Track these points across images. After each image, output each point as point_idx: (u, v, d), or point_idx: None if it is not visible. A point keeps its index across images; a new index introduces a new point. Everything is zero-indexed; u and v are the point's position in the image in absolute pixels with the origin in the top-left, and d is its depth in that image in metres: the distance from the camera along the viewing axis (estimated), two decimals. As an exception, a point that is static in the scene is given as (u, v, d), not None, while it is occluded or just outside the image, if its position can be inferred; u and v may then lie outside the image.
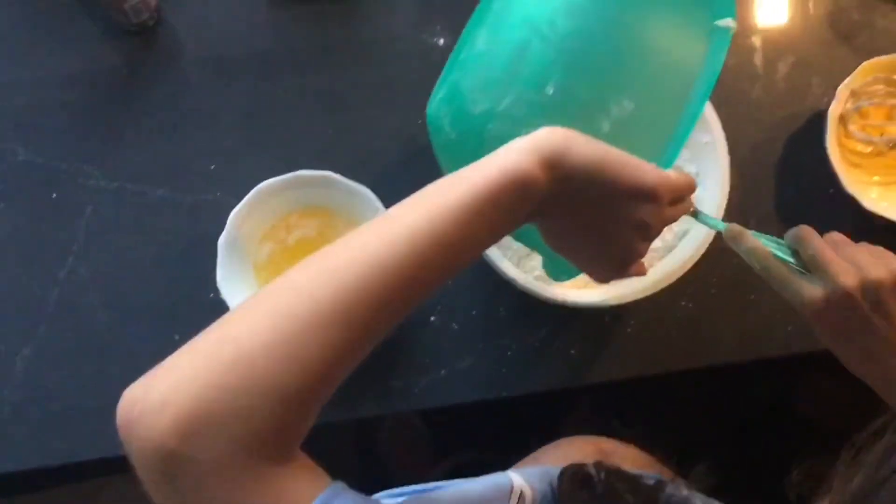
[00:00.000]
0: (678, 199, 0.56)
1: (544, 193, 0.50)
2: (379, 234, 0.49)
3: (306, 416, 0.48)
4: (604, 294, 0.82)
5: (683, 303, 0.93)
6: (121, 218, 0.92)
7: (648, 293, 0.81)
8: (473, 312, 0.92)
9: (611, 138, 0.52)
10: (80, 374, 0.89)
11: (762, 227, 0.92)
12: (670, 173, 0.54)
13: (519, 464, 0.90)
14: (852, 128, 0.93)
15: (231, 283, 0.84)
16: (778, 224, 0.96)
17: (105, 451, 0.87)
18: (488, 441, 1.23)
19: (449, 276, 0.51)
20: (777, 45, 1.01)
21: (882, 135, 0.94)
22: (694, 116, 0.54)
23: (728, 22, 0.54)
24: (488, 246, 0.53)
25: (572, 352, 0.92)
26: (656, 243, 0.86)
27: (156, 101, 0.95)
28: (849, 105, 0.93)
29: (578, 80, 0.55)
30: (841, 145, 0.94)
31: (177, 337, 0.89)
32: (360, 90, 0.96)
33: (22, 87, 0.95)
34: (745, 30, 1.00)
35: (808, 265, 0.63)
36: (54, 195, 0.92)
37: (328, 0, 0.97)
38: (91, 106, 0.95)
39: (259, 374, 0.44)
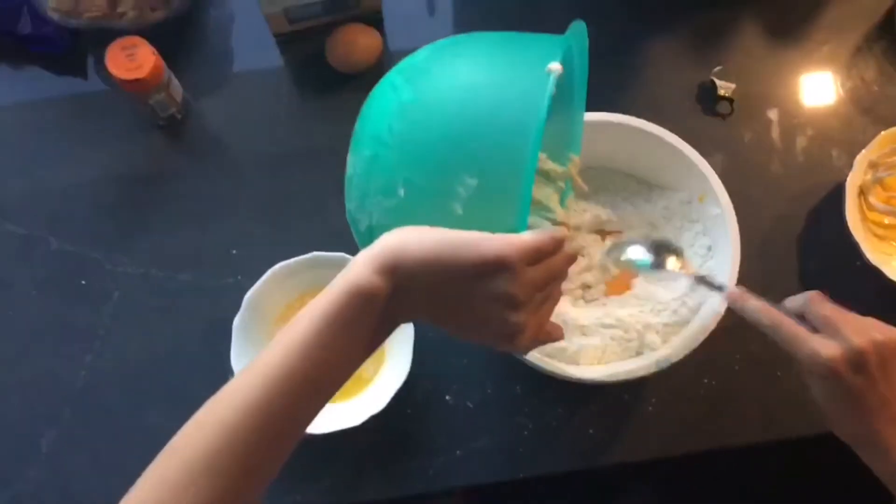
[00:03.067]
0: (539, 257, 0.53)
1: (389, 299, 0.52)
2: (242, 379, 0.52)
3: None
4: (614, 370, 0.80)
5: (706, 380, 0.91)
6: (146, 302, 0.95)
7: (663, 367, 0.79)
8: (489, 391, 0.91)
9: (466, 219, 0.53)
10: (100, 457, 0.90)
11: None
12: (519, 237, 0.52)
13: None
14: (873, 199, 0.92)
15: (244, 363, 0.85)
16: (804, 298, 0.94)
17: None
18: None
19: (320, 402, 0.53)
20: (795, 118, 1.00)
21: (905, 205, 0.92)
22: (530, 170, 0.52)
23: (554, 66, 0.52)
24: (357, 361, 0.54)
25: (591, 431, 0.90)
26: (670, 318, 0.85)
27: (180, 190, 1.00)
28: (868, 176, 0.92)
29: (420, 175, 0.56)
30: (864, 217, 0.92)
31: (194, 419, 0.90)
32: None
33: (57, 182, 1.00)
34: (761, 104, 1.01)
35: (819, 327, 0.63)
36: (83, 282, 0.96)
37: (343, 82, 1.02)
38: (119, 196, 0.99)
39: None
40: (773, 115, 1.00)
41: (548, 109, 0.52)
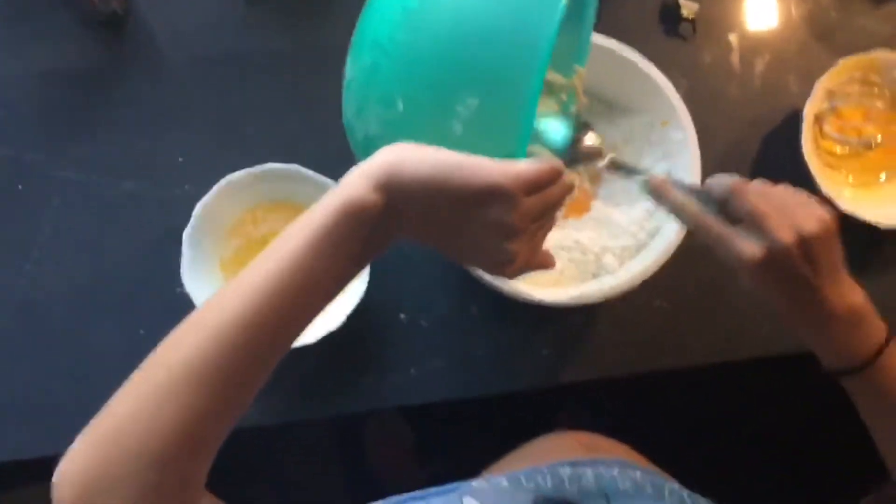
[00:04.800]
0: (537, 188, 0.52)
1: (383, 215, 0.51)
2: (228, 294, 0.51)
3: (182, 476, 0.50)
4: (575, 292, 0.80)
5: (657, 303, 0.92)
6: (88, 210, 0.91)
7: (620, 292, 0.79)
8: (444, 311, 0.91)
9: (465, 140, 0.52)
10: (42, 369, 0.87)
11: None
12: (516, 164, 0.51)
13: (501, 462, 0.88)
14: (828, 128, 0.93)
15: (196, 277, 0.83)
16: (754, 224, 0.95)
17: (65, 446, 0.85)
18: (472, 441, 1.22)
19: (308, 317, 0.53)
20: (754, 43, 1.00)
21: (859, 135, 0.94)
22: (534, 95, 0.51)
23: None
24: (349, 276, 0.54)
25: (545, 352, 0.91)
26: (627, 241, 0.85)
27: (126, 95, 0.94)
28: (825, 104, 0.93)
29: (421, 89, 0.54)
30: (817, 145, 0.93)
31: (142, 332, 0.88)
32: (331, 89, 0.95)
33: (-10, 77, 0.94)
34: (722, 27, 1.00)
35: (743, 220, 0.59)
36: (20, 186, 0.91)
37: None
38: (61, 98, 0.94)
39: (128, 442, 0.48)
40: (733, 38, 1.00)
41: (557, 29, 0.50)
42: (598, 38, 0.84)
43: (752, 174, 0.95)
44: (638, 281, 0.80)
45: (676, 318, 0.92)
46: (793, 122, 0.94)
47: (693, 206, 0.61)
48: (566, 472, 0.71)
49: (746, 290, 0.62)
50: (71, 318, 0.89)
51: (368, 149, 0.57)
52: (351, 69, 0.59)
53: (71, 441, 0.85)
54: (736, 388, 1.39)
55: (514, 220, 0.51)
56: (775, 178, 0.94)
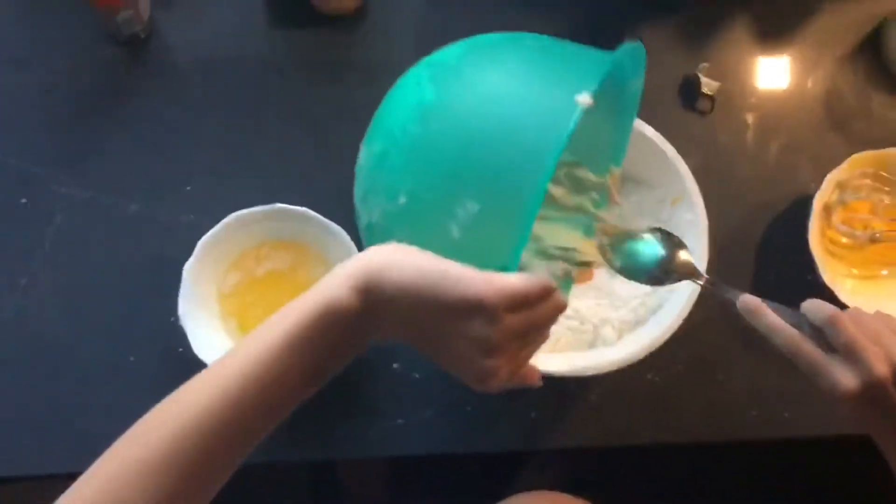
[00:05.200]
0: (521, 305, 0.50)
1: (361, 318, 0.50)
2: (198, 386, 0.50)
3: None
4: (570, 364, 0.80)
5: (649, 376, 0.92)
6: (90, 229, 0.90)
7: (615, 368, 0.79)
8: (438, 365, 0.90)
9: (461, 244, 0.52)
10: (29, 388, 0.86)
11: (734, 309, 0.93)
12: (502, 279, 0.49)
13: None
14: (835, 220, 0.93)
15: (193, 310, 0.82)
16: (753, 305, 0.95)
17: (46, 468, 0.85)
18: (451, 486, 1.22)
19: (279, 416, 0.52)
20: (770, 124, 1.00)
21: (865, 229, 0.94)
22: (533, 208, 0.50)
23: (584, 98, 0.49)
24: (324, 375, 0.53)
25: (533, 415, 0.90)
26: (627, 315, 0.85)
27: (139, 114, 0.94)
28: (834, 196, 0.93)
29: (424, 185, 0.53)
30: (822, 235, 0.94)
31: (132, 359, 0.87)
32: (350, 129, 0.95)
33: (4, 89, 0.94)
34: (741, 107, 1.00)
35: (839, 348, 0.59)
36: (24, 200, 0.90)
37: (324, 24, 0.96)
38: (72, 113, 0.93)
39: None
40: (750, 118, 1.00)
41: (562, 148, 0.49)
42: (618, 112, 0.84)
43: (757, 257, 0.96)
44: (635, 359, 0.80)
45: (666, 394, 0.92)
46: (801, 208, 0.95)
47: (790, 330, 0.61)
48: None
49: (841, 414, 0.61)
50: (61, 337, 0.88)
51: (370, 235, 0.57)
52: (363, 155, 0.59)
53: (53, 462, 0.85)
54: (719, 468, 1.39)
55: (494, 336, 0.49)
56: (779, 262, 0.96)
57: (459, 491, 1.04)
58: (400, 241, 0.53)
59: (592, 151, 0.72)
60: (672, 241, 0.74)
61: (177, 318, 0.81)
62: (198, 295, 0.83)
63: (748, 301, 0.64)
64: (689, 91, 1.00)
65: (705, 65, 0.99)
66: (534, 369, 0.58)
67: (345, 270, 0.51)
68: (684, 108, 1.00)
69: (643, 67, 0.66)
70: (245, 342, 0.51)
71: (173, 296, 0.81)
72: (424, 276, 0.49)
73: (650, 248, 0.74)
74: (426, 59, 0.59)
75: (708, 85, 0.98)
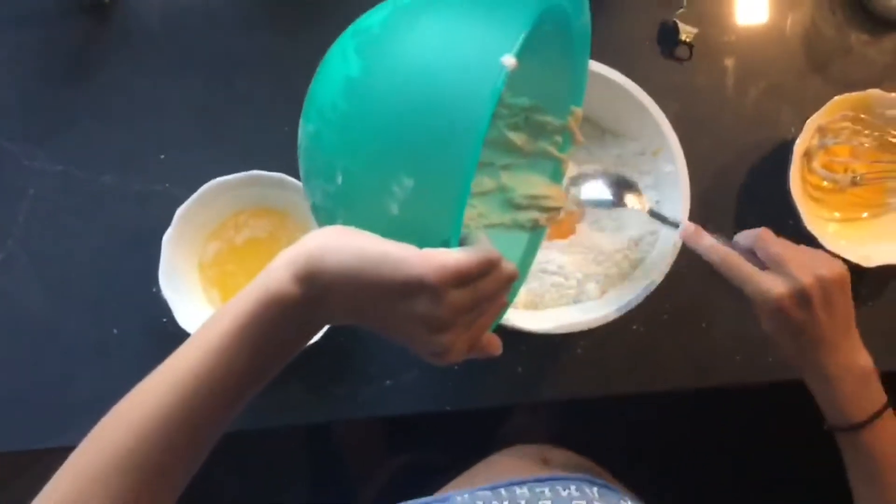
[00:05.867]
0: (465, 280, 0.49)
1: (304, 306, 0.50)
2: (154, 380, 0.51)
3: None
4: (555, 321, 0.81)
5: (634, 327, 0.93)
6: (65, 203, 0.89)
7: (598, 324, 0.80)
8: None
9: (401, 221, 0.51)
10: (12, 363, 0.86)
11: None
12: (441, 256, 0.48)
13: (464, 476, 0.89)
14: (816, 164, 0.93)
15: (174, 281, 0.81)
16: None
17: (32, 443, 0.85)
18: (439, 444, 1.23)
19: (236, 406, 0.52)
20: (750, 69, 0.99)
21: (845, 171, 0.94)
22: (467, 180, 0.49)
23: (509, 60, 0.48)
24: (276, 364, 0.53)
25: (519, 369, 0.91)
26: (610, 269, 0.85)
27: (109, 83, 0.92)
28: (815, 141, 0.93)
29: (358, 166, 0.52)
30: (803, 179, 0.93)
31: (115, 331, 0.87)
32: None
33: (-32, 60, 0.91)
34: (719, 52, 0.99)
35: (768, 263, 0.71)
36: (-6, 175, 0.89)
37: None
38: (40, 84, 0.91)
39: None
40: (729, 63, 0.99)
41: (489, 122, 0.48)
42: (595, 65, 0.83)
43: (738, 203, 0.96)
44: (619, 314, 0.80)
45: (652, 343, 0.93)
46: (781, 153, 0.94)
47: (725, 249, 0.73)
48: (524, 494, 0.71)
49: (764, 334, 0.72)
50: (43, 313, 0.87)
51: (317, 216, 0.57)
52: (300, 134, 0.58)
53: (35, 436, 0.85)
54: (706, 415, 1.41)
55: (441, 314, 0.49)
56: (761, 208, 0.96)
57: (451, 445, 1.05)
58: (342, 221, 0.53)
59: (551, 95, 0.71)
60: (621, 183, 0.83)
61: (158, 290, 0.80)
62: (178, 265, 0.82)
63: (689, 226, 0.76)
64: (667, 38, 0.98)
65: (682, 10, 0.97)
66: (493, 339, 0.57)
67: (285, 258, 0.51)
68: (663, 55, 0.98)
69: (584, 4, 0.65)
70: (195, 336, 0.51)
71: (153, 267, 0.81)
72: (364, 259, 0.49)
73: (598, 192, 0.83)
74: (353, 27, 0.57)
75: (685, 31, 0.96)
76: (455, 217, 0.50)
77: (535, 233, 0.76)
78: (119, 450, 0.49)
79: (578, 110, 0.72)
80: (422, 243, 0.49)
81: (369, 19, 0.56)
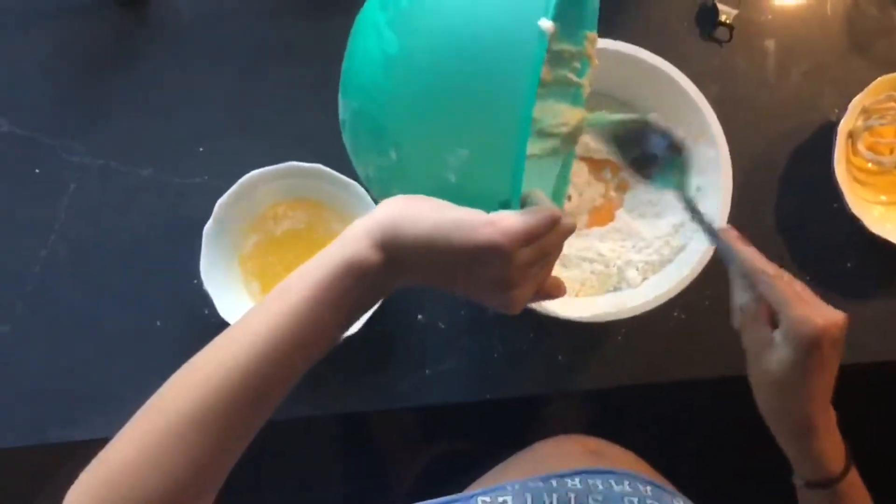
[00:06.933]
0: (532, 240, 0.52)
1: (383, 271, 0.52)
2: (230, 343, 0.52)
3: None
4: (595, 310, 0.80)
5: (676, 313, 0.92)
6: (105, 197, 0.90)
7: (641, 312, 0.79)
8: (462, 313, 0.90)
9: (461, 188, 0.53)
10: (55, 355, 0.87)
11: (762, 239, 0.93)
12: (508, 220, 0.51)
13: (507, 464, 0.89)
14: (861, 146, 0.91)
15: (214, 273, 0.82)
16: (778, 236, 0.94)
17: (74, 433, 0.86)
18: (479, 431, 1.23)
19: (305, 366, 0.54)
20: (791, 50, 0.97)
21: (891, 153, 0.92)
22: (521, 147, 0.50)
23: (546, 23, 0.49)
24: (348, 325, 0.55)
25: (560, 358, 0.90)
26: (651, 256, 0.85)
27: (145, 78, 0.92)
28: (859, 122, 0.91)
29: (410, 141, 0.53)
30: (847, 161, 0.92)
31: (158, 323, 0.88)
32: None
33: (7, 55, 0.92)
34: (760, 34, 0.97)
35: (779, 296, 0.63)
36: (37, 170, 0.89)
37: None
38: (78, 79, 0.92)
39: (129, 483, 0.49)
40: (769, 45, 0.97)
41: (537, 82, 0.49)
42: (633, 48, 0.82)
43: (781, 188, 0.94)
44: (660, 301, 0.79)
45: (693, 331, 0.92)
46: (824, 136, 0.92)
47: (764, 260, 0.65)
48: (575, 485, 0.71)
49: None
50: (85, 305, 0.88)
51: (371, 185, 0.58)
52: (342, 109, 0.58)
53: (80, 429, 0.86)
54: (748, 403, 1.39)
55: (511, 274, 0.52)
56: (804, 192, 0.94)
57: (487, 436, 1.05)
58: (399, 192, 0.54)
59: (567, 24, 0.70)
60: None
61: (199, 281, 0.81)
62: (218, 257, 0.83)
63: (727, 231, 0.67)
64: (706, 20, 0.96)
65: (721, -9, 0.95)
66: (556, 282, 0.59)
67: (363, 226, 0.52)
68: (702, 38, 0.97)
69: None
70: (270, 300, 0.52)
71: (193, 258, 0.81)
72: (438, 227, 0.51)
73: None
74: None
75: (725, 12, 0.95)
76: (515, 180, 0.51)
77: (566, 163, 0.77)
78: (198, 406, 0.49)
79: (593, 34, 0.71)
80: (482, 206, 0.52)
81: None
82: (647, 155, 0.70)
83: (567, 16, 0.70)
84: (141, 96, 0.92)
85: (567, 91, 0.74)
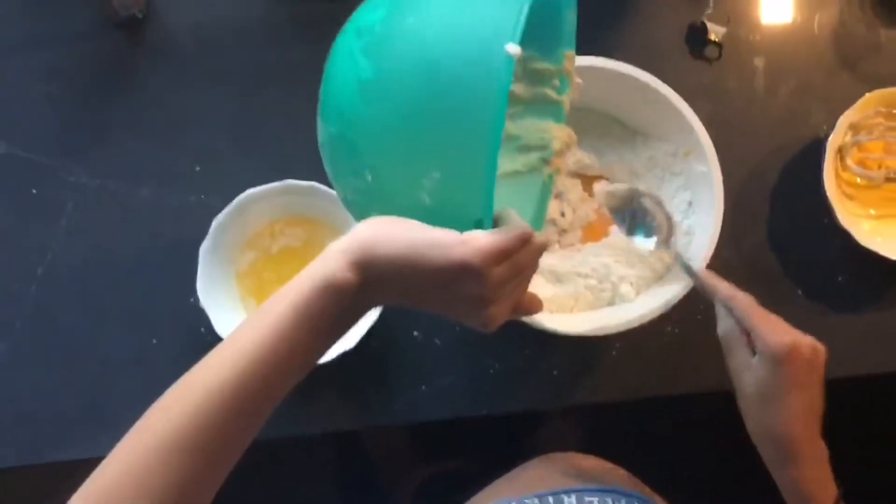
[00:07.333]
0: (505, 258, 0.53)
1: (358, 291, 0.53)
2: (214, 362, 0.52)
3: None
4: (590, 324, 0.81)
5: (670, 328, 0.92)
6: (102, 216, 0.90)
7: (635, 326, 0.80)
8: (457, 329, 0.90)
9: (435, 209, 0.54)
10: (52, 375, 0.87)
11: (755, 254, 0.94)
12: (481, 239, 0.52)
13: (500, 482, 0.89)
14: (849, 161, 0.92)
15: (211, 291, 0.82)
16: (769, 251, 0.95)
17: (71, 453, 0.86)
18: (470, 450, 1.23)
19: (288, 385, 0.54)
20: (780, 68, 0.99)
21: (879, 167, 0.93)
22: (491, 169, 0.51)
23: (513, 48, 0.50)
24: (327, 346, 0.56)
25: (555, 373, 0.91)
26: (644, 271, 0.85)
27: (141, 99, 0.93)
28: (848, 138, 0.92)
29: (385, 164, 0.55)
30: (837, 176, 0.93)
31: (154, 341, 0.88)
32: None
33: (5, 77, 0.93)
34: (749, 52, 0.99)
35: (759, 322, 0.68)
36: (34, 191, 0.90)
37: (324, 8, 0.94)
38: (75, 101, 0.93)
39: None
40: (759, 62, 0.99)
41: (504, 107, 0.51)
42: (625, 66, 0.83)
43: (771, 202, 0.96)
44: (654, 315, 0.80)
45: (687, 345, 0.92)
46: (814, 151, 0.94)
47: (739, 293, 0.71)
48: (571, 502, 0.72)
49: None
50: (83, 324, 0.89)
51: (350, 209, 0.60)
52: (321, 132, 0.59)
53: (79, 448, 0.86)
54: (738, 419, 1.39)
55: (485, 292, 0.53)
56: (794, 207, 0.95)
57: (484, 452, 1.05)
58: (377, 213, 0.56)
59: (544, 44, 0.72)
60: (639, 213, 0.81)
61: (196, 300, 0.81)
62: (215, 275, 0.83)
63: (705, 273, 0.75)
64: (696, 39, 0.98)
65: (709, 10, 0.97)
66: (533, 298, 0.61)
67: (339, 247, 0.53)
68: (692, 56, 0.98)
69: None
70: (250, 321, 0.53)
71: (190, 277, 0.82)
72: (413, 247, 0.52)
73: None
74: (352, 23, 0.59)
75: (714, 31, 0.96)
76: (486, 200, 0.52)
77: (546, 183, 0.78)
78: (180, 428, 0.49)
79: (571, 52, 0.72)
80: (457, 226, 0.53)
81: (369, 16, 0.57)
82: (637, 213, 0.80)
83: (544, 35, 0.71)
84: (138, 117, 0.93)
85: (548, 108, 0.75)
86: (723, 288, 0.72)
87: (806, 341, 0.66)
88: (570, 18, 0.72)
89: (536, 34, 0.68)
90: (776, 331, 0.66)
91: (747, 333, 0.69)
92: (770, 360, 0.66)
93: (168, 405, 0.52)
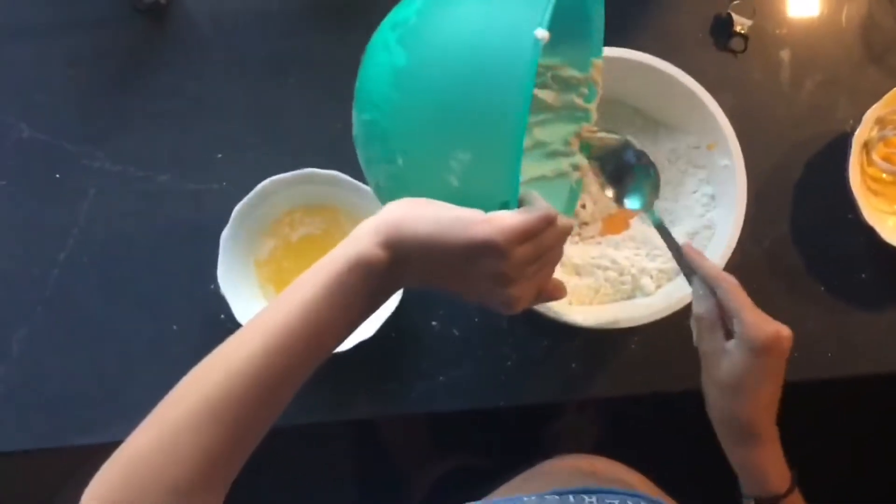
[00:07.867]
0: (528, 238, 0.54)
1: (388, 269, 0.55)
2: (248, 335, 0.54)
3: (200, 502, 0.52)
4: (610, 317, 0.80)
5: (689, 322, 0.91)
6: (123, 202, 0.91)
7: (657, 318, 0.79)
8: (476, 320, 0.90)
9: (463, 191, 0.56)
10: (73, 359, 0.88)
11: (777, 250, 0.93)
12: (505, 218, 0.53)
13: (515, 481, 0.89)
14: (875, 156, 0.91)
15: (231, 278, 0.83)
16: (792, 246, 0.94)
17: (92, 437, 0.87)
18: (486, 442, 1.22)
19: (317, 361, 0.56)
20: (806, 61, 0.98)
21: (905, 163, 0.92)
22: (518, 147, 0.53)
23: (541, 33, 0.52)
24: (357, 323, 0.57)
25: (573, 365, 0.91)
26: (665, 264, 0.85)
27: (164, 85, 0.93)
28: (874, 132, 0.91)
29: (416, 148, 0.57)
30: (862, 172, 0.92)
31: (175, 327, 0.89)
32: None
33: (29, 62, 0.93)
34: (774, 44, 0.97)
35: (740, 307, 0.66)
36: (57, 175, 0.90)
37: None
38: (98, 86, 0.93)
39: (148, 471, 0.50)
40: (784, 55, 0.97)
41: (531, 93, 0.53)
42: (649, 57, 0.82)
43: (795, 197, 0.95)
44: (674, 309, 0.80)
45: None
46: (838, 146, 0.93)
47: (725, 274, 0.69)
48: (592, 502, 0.71)
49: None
50: (104, 310, 0.89)
51: (381, 195, 0.62)
52: (355, 123, 0.62)
53: (100, 432, 0.87)
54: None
55: (508, 270, 0.54)
56: (819, 202, 0.94)
57: (501, 445, 1.05)
58: (407, 196, 0.57)
59: (573, 52, 0.75)
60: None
61: (216, 286, 0.82)
62: (235, 263, 0.84)
63: (689, 247, 0.72)
64: (721, 31, 0.97)
65: (735, 2, 0.96)
66: (558, 284, 0.62)
67: (369, 226, 0.55)
68: (717, 48, 0.97)
69: None
70: (283, 297, 0.55)
71: (211, 264, 0.82)
72: (438, 224, 0.54)
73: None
74: (388, 20, 0.61)
75: (740, 23, 0.95)
76: (512, 182, 0.55)
77: (574, 188, 0.80)
78: (211, 399, 0.51)
79: (599, 61, 0.75)
80: (483, 207, 0.55)
81: (404, 11, 0.60)
82: (622, 167, 0.77)
83: (573, 42, 0.74)
84: (160, 104, 0.93)
85: (575, 115, 0.77)
86: (708, 267, 0.70)
87: (786, 333, 0.65)
88: (598, 25, 0.74)
89: (566, 40, 0.71)
90: (760, 320, 0.65)
91: (724, 320, 0.69)
92: (750, 349, 0.65)
93: (200, 376, 0.53)
